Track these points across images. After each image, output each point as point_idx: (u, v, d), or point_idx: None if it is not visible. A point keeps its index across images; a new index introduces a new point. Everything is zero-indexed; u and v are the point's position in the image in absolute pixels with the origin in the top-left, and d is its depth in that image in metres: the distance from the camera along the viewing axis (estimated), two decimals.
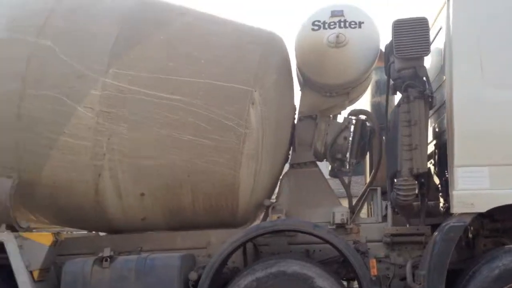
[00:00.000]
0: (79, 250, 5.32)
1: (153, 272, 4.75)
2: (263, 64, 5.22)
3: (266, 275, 4.56)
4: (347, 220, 5.15)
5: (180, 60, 5.16)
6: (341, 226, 5.17)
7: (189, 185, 5.13)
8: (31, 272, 4.82)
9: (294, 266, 4.61)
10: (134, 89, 5.04)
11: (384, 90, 5.83)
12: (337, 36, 5.08)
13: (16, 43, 5.19)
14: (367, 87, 6.05)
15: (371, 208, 5.99)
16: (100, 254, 4.88)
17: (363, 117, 5.69)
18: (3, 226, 4.96)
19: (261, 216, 5.63)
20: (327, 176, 5.71)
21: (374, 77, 6.24)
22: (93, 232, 5.93)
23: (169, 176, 5.10)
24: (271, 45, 5.48)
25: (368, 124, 5.64)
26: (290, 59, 5.68)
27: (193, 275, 4.79)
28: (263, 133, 5.12)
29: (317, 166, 5.68)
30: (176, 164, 5.05)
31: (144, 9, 5.49)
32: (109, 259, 4.84)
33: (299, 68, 5.72)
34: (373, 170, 5.68)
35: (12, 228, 4.97)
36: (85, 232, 6.00)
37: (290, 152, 5.73)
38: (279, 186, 5.69)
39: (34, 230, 5.29)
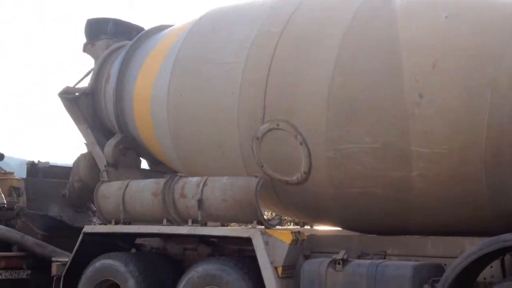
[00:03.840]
0: (330, 249, 5.31)
1: (384, 281, 4.39)
2: None
3: None
4: None
5: None
6: None
7: None
8: (275, 268, 5.04)
9: None
10: None
11: None
12: None
13: None
14: None
15: None
16: (334, 257, 4.76)
17: None
18: (255, 222, 5.32)
19: None
20: None
21: None
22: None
23: None
24: None
25: None
26: None
27: None
28: None
29: None
30: None
31: None
32: (341, 262, 4.68)
33: None
34: None
35: (260, 224, 5.29)
36: (336, 229, 5.97)
37: None
38: None
39: (278, 228, 5.51)
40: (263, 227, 5.32)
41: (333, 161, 5.05)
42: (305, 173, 5.21)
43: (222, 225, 6.04)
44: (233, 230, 5.52)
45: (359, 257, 4.92)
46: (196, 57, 6.08)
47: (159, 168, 7.65)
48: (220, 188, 5.46)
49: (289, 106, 5.28)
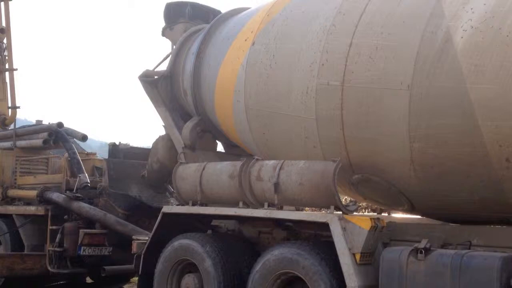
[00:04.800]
0: (410, 237, 5.14)
1: (469, 271, 4.17)
2: None
3: None
4: None
5: None
6: None
7: None
8: (353, 255, 4.93)
9: None
10: None
11: None
12: None
13: None
14: None
15: None
16: (416, 245, 4.59)
17: None
18: (332, 207, 5.22)
19: None
20: None
21: None
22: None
23: None
24: None
25: None
26: None
27: None
28: None
29: None
30: None
31: None
32: (424, 251, 4.50)
33: None
34: None
35: (337, 209, 5.19)
36: (415, 217, 5.76)
37: None
38: None
39: (355, 214, 5.38)
40: (340, 212, 5.22)
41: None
42: None
43: (297, 209, 5.99)
44: (310, 215, 5.45)
45: (442, 247, 4.72)
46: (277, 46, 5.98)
47: (234, 151, 7.70)
48: (297, 172, 5.40)
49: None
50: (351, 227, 4.99)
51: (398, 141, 4.93)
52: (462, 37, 4.54)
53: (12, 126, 11.54)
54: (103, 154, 11.18)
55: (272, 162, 5.67)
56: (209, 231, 6.57)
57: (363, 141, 5.20)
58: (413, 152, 4.85)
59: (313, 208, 6.16)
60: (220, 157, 7.41)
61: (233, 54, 6.58)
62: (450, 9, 4.71)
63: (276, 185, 5.49)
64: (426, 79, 4.69)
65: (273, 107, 5.95)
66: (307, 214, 5.50)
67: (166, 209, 6.64)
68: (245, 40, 6.44)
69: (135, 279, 9.95)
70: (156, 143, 8.06)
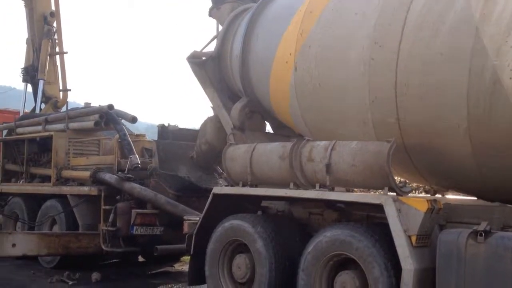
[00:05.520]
0: (467, 219, 4.99)
1: None
2: None
3: None
4: None
5: None
6: None
7: None
8: (409, 237, 4.83)
9: None
10: None
11: None
12: None
13: None
14: None
15: None
16: (475, 228, 4.45)
17: None
18: (386, 188, 5.12)
19: None
20: None
21: None
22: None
23: None
24: None
25: None
26: None
27: None
28: None
29: None
30: None
31: None
32: (483, 234, 4.36)
33: None
34: None
35: (391, 191, 5.08)
36: (471, 198, 5.59)
37: None
38: None
39: (409, 195, 5.25)
40: (395, 194, 5.11)
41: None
42: None
43: (347, 190, 5.91)
44: (364, 196, 5.36)
45: (502, 229, 4.57)
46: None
47: (283, 131, 7.65)
48: (349, 153, 5.31)
49: None
50: (406, 208, 4.88)
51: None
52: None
53: (64, 109, 11.86)
54: (150, 136, 11.33)
55: (323, 142, 5.60)
56: (259, 212, 6.58)
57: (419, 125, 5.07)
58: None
59: (363, 189, 6.06)
60: (269, 137, 7.37)
61: (290, 37, 6.44)
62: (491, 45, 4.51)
63: (328, 166, 5.42)
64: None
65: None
66: (361, 196, 5.41)
67: (216, 190, 6.68)
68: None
69: (186, 258, 10.15)
70: (204, 125, 8.10)
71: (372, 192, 5.94)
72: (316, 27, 6.08)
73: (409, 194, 5.27)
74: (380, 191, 5.19)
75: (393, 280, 4.85)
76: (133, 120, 9.82)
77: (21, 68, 13.06)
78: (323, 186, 5.60)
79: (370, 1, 5.54)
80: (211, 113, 7.99)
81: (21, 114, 12.70)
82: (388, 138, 5.07)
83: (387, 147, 5.02)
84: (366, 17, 5.50)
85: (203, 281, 6.73)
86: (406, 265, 4.73)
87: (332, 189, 5.59)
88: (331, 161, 5.41)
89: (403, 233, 4.82)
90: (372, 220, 5.61)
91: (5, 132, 12.05)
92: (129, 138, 9.38)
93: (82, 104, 12.06)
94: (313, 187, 5.68)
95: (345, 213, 5.92)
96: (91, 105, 11.23)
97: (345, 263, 5.35)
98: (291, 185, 5.86)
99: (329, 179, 5.46)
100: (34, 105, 12.87)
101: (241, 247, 6.34)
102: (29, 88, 13.12)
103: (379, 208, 5.01)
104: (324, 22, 6.01)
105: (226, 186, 7.07)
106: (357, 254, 5.08)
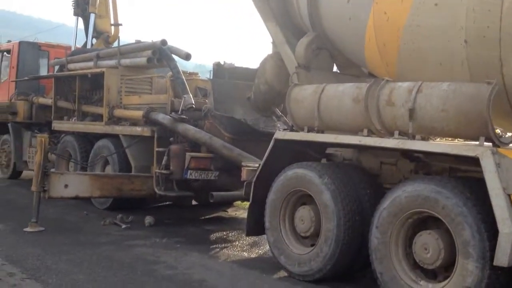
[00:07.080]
0: None
1: None
2: None
3: None
4: None
5: None
6: None
7: None
8: (509, 196, 4.12)
9: None
10: None
11: None
12: None
13: None
14: None
15: None
16: None
17: None
18: (482, 139, 4.37)
19: None
20: None
21: None
22: None
23: None
24: None
25: None
26: None
27: None
28: None
29: None
30: None
31: None
32: None
33: None
34: None
35: (489, 141, 4.34)
36: None
37: None
38: None
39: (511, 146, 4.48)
40: (491, 145, 4.37)
41: None
42: None
43: (423, 138, 5.15)
44: (455, 147, 4.61)
45: None
46: None
47: (351, 71, 6.89)
48: (439, 96, 4.55)
49: None
50: (507, 163, 4.17)
51: None
52: None
53: (115, 44, 11.37)
54: (201, 75, 10.78)
55: (407, 83, 4.85)
56: (323, 160, 5.97)
57: None
58: None
59: (445, 138, 5.29)
60: (337, 78, 6.63)
61: None
62: None
63: (412, 111, 4.70)
64: None
65: None
66: (452, 146, 4.66)
67: (279, 135, 6.08)
68: None
69: (239, 203, 9.77)
70: (264, 63, 7.39)
71: (458, 142, 5.18)
72: None
73: (510, 145, 4.51)
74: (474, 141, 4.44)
75: (486, 244, 4.20)
76: (187, 57, 9.19)
77: (72, 1, 12.60)
78: (403, 133, 4.90)
79: None
80: (270, 51, 7.29)
81: (73, 49, 12.33)
82: (489, 80, 4.27)
83: (488, 90, 4.24)
84: None
85: (261, 232, 6.29)
86: (504, 228, 4.07)
87: (413, 138, 4.88)
88: (416, 105, 4.68)
89: (502, 191, 4.13)
90: (454, 173, 4.91)
91: (56, 68, 11.75)
92: (183, 76, 8.83)
93: (134, 41, 11.54)
94: (391, 134, 4.99)
95: (423, 164, 5.24)
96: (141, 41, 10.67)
97: (426, 221, 4.72)
98: (365, 131, 5.19)
99: (412, 126, 4.75)
100: (85, 40, 12.46)
101: (305, 198, 5.80)
102: (80, 24, 12.70)
103: (469, 160, 4.29)
104: None
105: (285, 129, 6.45)
106: (444, 213, 4.43)
